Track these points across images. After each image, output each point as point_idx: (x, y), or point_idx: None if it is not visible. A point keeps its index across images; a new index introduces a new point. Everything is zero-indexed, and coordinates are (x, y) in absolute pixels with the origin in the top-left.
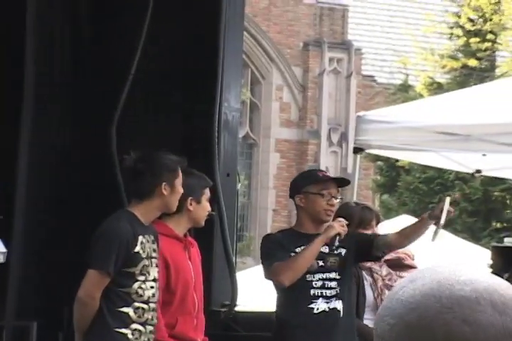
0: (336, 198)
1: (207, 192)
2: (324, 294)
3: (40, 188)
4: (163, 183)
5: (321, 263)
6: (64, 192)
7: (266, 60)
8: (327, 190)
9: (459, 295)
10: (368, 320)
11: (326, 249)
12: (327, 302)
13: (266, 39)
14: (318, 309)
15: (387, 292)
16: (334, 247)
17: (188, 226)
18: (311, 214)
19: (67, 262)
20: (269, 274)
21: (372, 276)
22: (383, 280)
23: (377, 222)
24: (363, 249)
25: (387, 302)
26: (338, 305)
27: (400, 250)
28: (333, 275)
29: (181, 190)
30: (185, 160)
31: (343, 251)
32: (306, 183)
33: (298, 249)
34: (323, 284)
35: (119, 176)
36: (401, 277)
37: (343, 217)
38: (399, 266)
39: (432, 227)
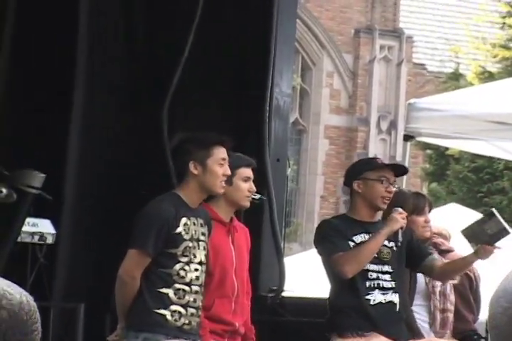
0: (394, 186)
1: (241, 173)
2: (381, 285)
3: (91, 172)
4: (191, 161)
5: (376, 254)
6: (114, 177)
7: (317, 46)
8: (386, 177)
9: None
10: (419, 306)
11: (389, 243)
12: (383, 294)
13: (317, 25)
14: (374, 300)
15: (437, 282)
16: (399, 242)
17: (231, 209)
18: (368, 200)
19: (116, 245)
20: (331, 263)
21: None
22: None
23: (430, 209)
24: (410, 257)
25: (505, 283)
26: (395, 298)
27: (436, 231)
28: (386, 268)
29: (220, 171)
30: (226, 138)
31: (393, 246)
32: (366, 169)
33: (355, 237)
34: (378, 276)
35: (170, 159)
36: None
37: (397, 204)
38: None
39: None
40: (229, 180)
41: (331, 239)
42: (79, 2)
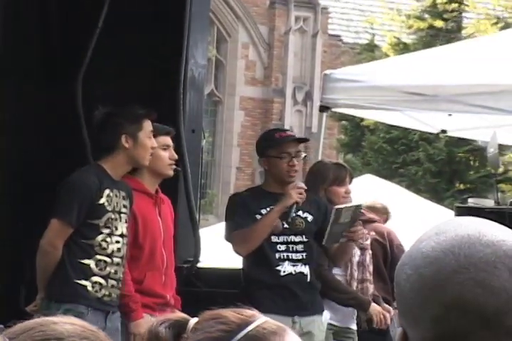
0: (298, 156)
1: (159, 141)
2: (290, 257)
3: (9, 145)
4: (124, 135)
5: (285, 224)
6: (29, 149)
7: (232, 17)
8: (286, 152)
9: (477, 256)
10: (337, 276)
11: (303, 213)
12: (293, 266)
13: None
14: (284, 272)
15: (357, 250)
16: (290, 219)
17: (155, 180)
18: (275, 176)
19: (31, 219)
20: (229, 239)
21: None
22: None
23: (351, 180)
24: (317, 232)
25: (410, 251)
26: (305, 269)
27: (369, 203)
28: (298, 238)
29: (149, 144)
30: (151, 112)
31: (308, 216)
32: (267, 146)
33: (263, 210)
34: (288, 247)
35: (85, 133)
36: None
37: (318, 175)
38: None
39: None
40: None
41: (232, 215)
42: None
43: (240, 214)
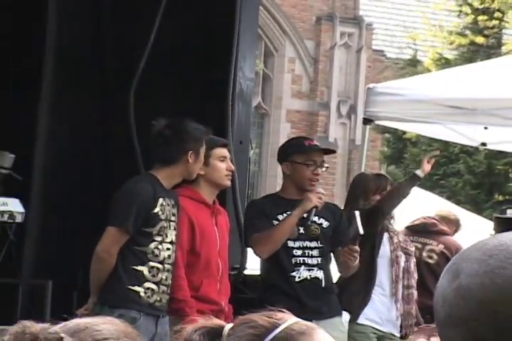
0: (322, 167)
1: (216, 153)
2: (306, 262)
3: (60, 154)
4: (190, 151)
5: (301, 230)
6: (82, 159)
7: (279, 33)
8: (313, 160)
9: None
10: (383, 274)
11: (319, 220)
12: (309, 270)
13: (280, 12)
14: (299, 277)
15: (403, 256)
16: (309, 222)
17: (213, 191)
18: (295, 182)
19: (84, 225)
20: (249, 244)
21: (388, 231)
22: (399, 241)
23: None
24: (330, 237)
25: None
26: (320, 274)
27: (443, 214)
28: (313, 244)
29: (203, 159)
30: (210, 130)
31: (324, 222)
32: (294, 152)
33: (280, 216)
34: (304, 252)
35: (136, 142)
36: (419, 243)
37: (360, 187)
38: (424, 232)
39: None
40: (205, 162)
41: (252, 220)
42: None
43: (258, 219)
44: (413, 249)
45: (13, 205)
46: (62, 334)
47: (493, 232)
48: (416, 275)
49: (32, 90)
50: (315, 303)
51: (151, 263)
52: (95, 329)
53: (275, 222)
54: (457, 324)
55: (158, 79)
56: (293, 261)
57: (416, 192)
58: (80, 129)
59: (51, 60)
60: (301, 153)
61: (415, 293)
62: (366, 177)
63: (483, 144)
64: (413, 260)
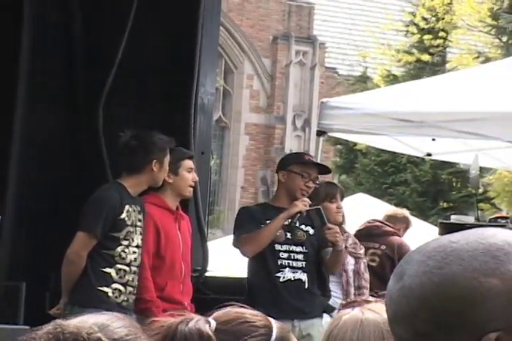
0: (314, 182)
1: (185, 164)
2: (291, 264)
3: (33, 162)
4: (154, 160)
5: (288, 235)
6: (56, 167)
7: (238, 51)
8: (308, 173)
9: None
10: (333, 283)
11: (306, 227)
12: (293, 272)
13: (239, 32)
14: (284, 278)
15: (351, 259)
16: (293, 223)
17: (177, 198)
18: (288, 190)
19: (56, 231)
20: (236, 244)
21: None
22: (346, 247)
23: (342, 197)
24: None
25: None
26: (303, 276)
27: (390, 213)
28: (299, 248)
29: (167, 168)
30: (173, 140)
31: (310, 230)
32: (292, 162)
33: (268, 221)
34: (289, 256)
35: (105, 153)
36: (368, 247)
37: (311, 194)
38: (368, 235)
39: None
40: (174, 171)
41: (242, 223)
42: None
43: (248, 223)
44: (362, 251)
45: None
46: (99, 334)
47: (438, 236)
48: (367, 276)
49: (7, 113)
50: (298, 303)
51: (118, 266)
52: (115, 327)
53: (262, 226)
54: (401, 321)
55: (125, 93)
56: (278, 262)
57: (366, 200)
58: (51, 140)
59: (24, 71)
60: (299, 164)
61: (366, 292)
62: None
63: (429, 154)
64: (363, 261)
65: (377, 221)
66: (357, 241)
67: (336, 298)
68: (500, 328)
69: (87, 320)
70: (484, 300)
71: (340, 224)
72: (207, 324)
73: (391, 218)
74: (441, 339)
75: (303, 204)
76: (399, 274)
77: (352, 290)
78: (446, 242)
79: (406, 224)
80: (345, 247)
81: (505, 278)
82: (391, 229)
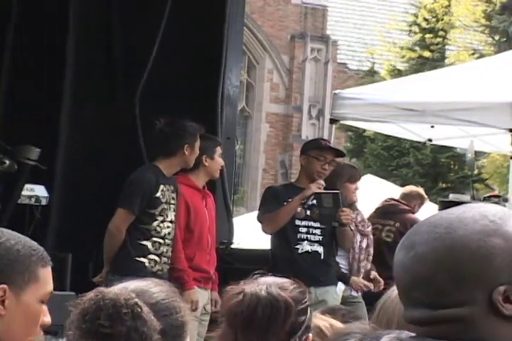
0: (330, 164)
1: (218, 150)
2: (309, 238)
3: (78, 147)
4: (186, 145)
5: (308, 212)
6: (97, 151)
7: (260, 48)
8: (324, 156)
9: None
10: (340, 256)
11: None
12: (310, 245)
13: (261, 32)
14: (302, 250)
15: (358, 236)
16: (307, 204)
17: (206, 179)
18: (307, 172)
19: (98, 207)
20: (260, 220)
21: None
22: (356, 226)
23: (359, 179)
24: None
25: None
26: (320, 249)
27: (405, 191)
28: (317, 224)
29: (198, 151)
30: (202, 127)
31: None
32: (310, 148)
33: (290, 200)
34: (308, 230)
35: (141, 138)
36: (380, 224)
37: (334, 173)
38: (385, 213)
39: None
40: (212, 156)
41: (265, 202)
42: (69, 9)
43: (270, 202)
44: (369, 229)
45: (39, 191)
46: (136, 299)
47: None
48: (371, 251)
49: (53, 101)
50: (314, 272)
51: (154, 239)
52: (153, 292)
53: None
54: (419, 284)
55: (160, 85)
56: (298, 236)
57: (373, 181)
58: (94, 128)
59: (71, 74)
60: (316, 149)
61: (367, 265)
62: (341, 166)
63: (430, 140)
64: (370, 237)
65: (393, 199)
66: (365, 218)
67: (343, 270)
68: (507, 282)
69: (128, 286)
70: (492, 257)
71: (354, 202)
72: (283, 291)
73: (406, 196)
74: (457, 295)
75: (316, 187)
76: (409, 245)
77: (355, 265)
78: (446, 214)
79: (420, 200)
80: (356, 226)
81: (506, 238)
82: (405, 207)
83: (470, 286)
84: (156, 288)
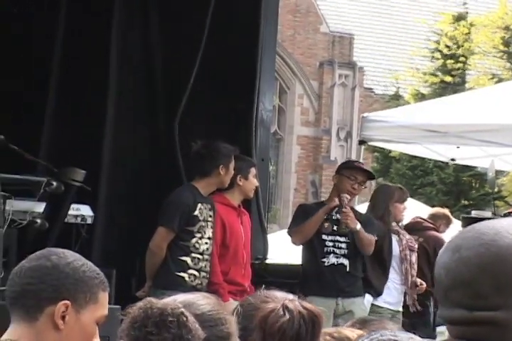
0: (360, 185)
1: (253, 171)
2: (335, 252)
3: (121, 170)
4: (221, 165)
5: (335, 227)
6: (138, 172)
7: (291, 74)
8: (355, 177)
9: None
10: (393, 269)
11: (325, 216)
12: (336, 258)
13: (291, 59)
14: (328, 262)
15: (408, 251)
16: (329, 216)
17: (241, 198)
18: (338, 191)
19: (140, 226)
20: (289, 234)
21: (398, 235)
22: (406, 241)
23: (407, 199)
24: None
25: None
26: (345, 261)
27: (433, 212)
28: (343, 239)
29: (232, 171)
30: (237, 149)
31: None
32: (343, 167)
33: None
34: (334, 244)
35: (180, 159)
36: (418, 239)
37: (386, 195)
38: (412, 229)
39: None
40: (246, 176)
41: (296, 218)
42: (111, 30)
43: (299, 218)
44: (416, 245)
45: (85, 210)
46: (182, 309)
47: (461, 228)
48: (416, 266)
49: (97, 127)
50: (340, 284)
51: (193, 255)
52: (200, 304)
53: None
54: (461, 286)
55: (197, 108)
56: (324, 249)
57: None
58: (136, 150)
59: (112, 99)
60: (348, 169)
61: (417, 280)
62: (391, 188)
63: (453, 160)
64: (415, 254)
65: (420, 218)
66: (411, 236)
67: (394, 284)
68: None
69: (177, 299)
70: None
71: (400, 221)
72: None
73: (433, 216)
74: (495, 300)
75: (339, 199)
76: (455, 248)
77: (409, 279)
78: (493, 224)
79: (446, 220)
80: (406, 241)
81: None
82: (429, 225)
83: (509, 292)
84: (203, 301)
